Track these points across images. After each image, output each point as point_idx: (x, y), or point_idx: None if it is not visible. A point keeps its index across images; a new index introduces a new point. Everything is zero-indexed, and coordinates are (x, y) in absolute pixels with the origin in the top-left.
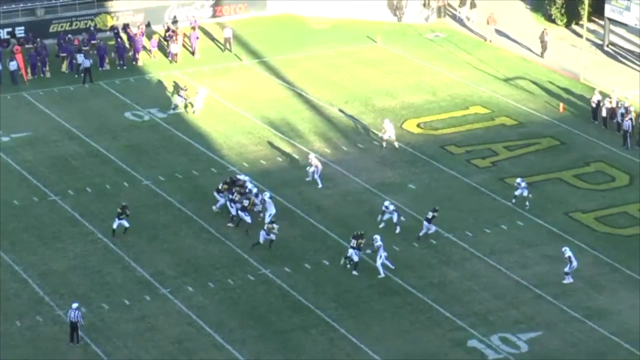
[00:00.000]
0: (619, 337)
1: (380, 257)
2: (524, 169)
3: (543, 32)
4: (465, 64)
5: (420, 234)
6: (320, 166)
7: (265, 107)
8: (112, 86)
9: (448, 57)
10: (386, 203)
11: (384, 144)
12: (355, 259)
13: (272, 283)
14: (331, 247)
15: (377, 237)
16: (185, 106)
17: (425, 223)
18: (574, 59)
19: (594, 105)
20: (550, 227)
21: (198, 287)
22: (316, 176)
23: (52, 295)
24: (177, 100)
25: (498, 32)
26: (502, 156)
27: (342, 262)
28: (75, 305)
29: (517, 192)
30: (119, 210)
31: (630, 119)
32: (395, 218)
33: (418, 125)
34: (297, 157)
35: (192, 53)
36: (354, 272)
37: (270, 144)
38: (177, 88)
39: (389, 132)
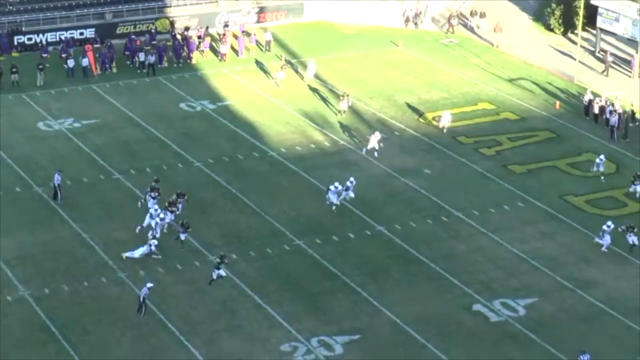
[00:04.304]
0: (604, 304)
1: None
2: (524, 157)
3: (607, 53)
4: (474, 66)
5: None
6: (374, 144)
7: (301, 101)
8: (169, 81)
9: (460, 60)
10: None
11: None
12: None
13: (305, 252)
14: (356, 223)
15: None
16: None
17: None
18: (569, 63)
19: (586, 103)
20: (547, 208)
21: (241, 255)
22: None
23: (115, 260)
24: (279, 75)
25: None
26: (506, 146)
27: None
28: (150, 285)
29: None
30: (218, 259)
31: (617, 115)
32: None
33: (433, 119)
34: (328, 144)
35: (237, 53)
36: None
37: (305, 133)
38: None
39: (444, 121)
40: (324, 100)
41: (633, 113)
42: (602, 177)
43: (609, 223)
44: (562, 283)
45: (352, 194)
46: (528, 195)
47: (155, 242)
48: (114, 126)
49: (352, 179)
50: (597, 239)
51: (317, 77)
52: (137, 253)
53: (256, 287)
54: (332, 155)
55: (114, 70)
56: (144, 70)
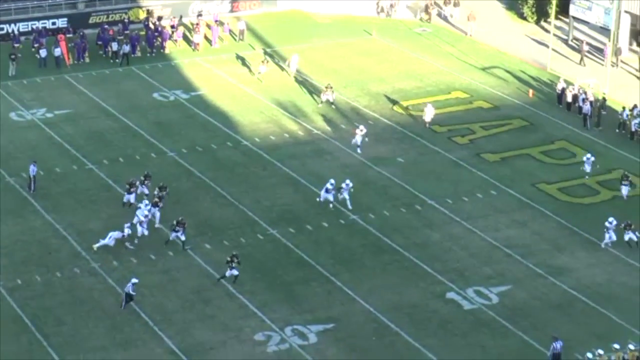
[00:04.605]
0: (576, 291)
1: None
2: (498, 146)
3: (582, 43)
4: (448, 55)
5: None
6: (359, 137)
7: (275, 91)
8: (142, 70)
9: (433, 49)
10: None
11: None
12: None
13: (279, 242)
14: (330, 212)
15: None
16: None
17: None
18: (542, 51)
19: (558, 91)
20: (519, 196)
21: (214, 245)
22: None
23: (88, 250)
24: (261, 69)
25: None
26: (479, 134)
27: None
28: (135, 280)
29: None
30: (228, 258)
31: (590, 103)
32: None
33: (407, 107)
34: (302, 133)
35: (211, 43)
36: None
37: (279, 122)
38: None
39: (427, 116)
40: (298, 89)
41: (604, 100)
42: (587, 177)
43: (611, 219)
44: (535, 270)
45: (347, 196)
46: (501, 183)
47: (129, 230)
48: (86, 116)
49: (347, 181)
50: (604, 242)
51: (268, 55)
52: (108, 238)
53: (230, 277)
54: (306, 145)
55: (87, 60)
56: (117, 60)
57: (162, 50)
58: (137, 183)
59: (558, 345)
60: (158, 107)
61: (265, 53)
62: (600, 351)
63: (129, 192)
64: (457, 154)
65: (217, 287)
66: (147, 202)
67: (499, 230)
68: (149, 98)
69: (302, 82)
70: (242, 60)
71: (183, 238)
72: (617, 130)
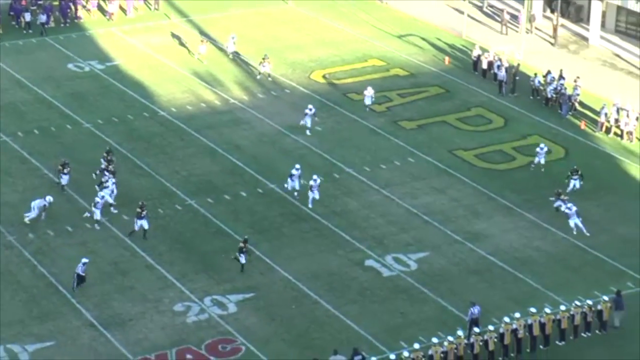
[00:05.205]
0: (494, 257)
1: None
2: (415, 113)
3: (503, 12)
4: (364, 23)
5: None
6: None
7: (191, 60)
8: (56, 41)
9: (349, 17)
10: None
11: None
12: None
13: (197, 212)
14: (248, 181)
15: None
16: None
17: None
18: (457, 18)
19: (474, 58)
20: (437, 163)
21: (132, 216)
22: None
23: (4, 224)
24: (200, 49)
25: None
26: (396, 102)
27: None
28: (85, 260)
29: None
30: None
31: (505, 70)
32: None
33: (324, 76)
34: (218, 103)
35: (125, 12)
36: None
37: (195, 92)
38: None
39: (367, 99)
40: (215, 59)
41: (519, 67)
42: (533, 166)
43: (570, 206)
44: (452, 237)
45: (317, 195)
46: (418, 150)
47: (51, 198)
48: (0, 88)
49: (315, 176)
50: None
51: (205, 34)
52: (32, 210)
53: (148, 248)
54: (223, 114)
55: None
56: (30, 31)
57: (76, 21)
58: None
59: (476, 310)
60: (73, 78)
61: (201, 33)
62: (517, 315)
63: (63, 173)
64: (375, 122)
65: (135, 258)
66: (113, 180)
67: (416, 197)
68: (63, 69)
69: (218, 51)
70: (159, 30)
71: (146, 227)
72: (531, 97)
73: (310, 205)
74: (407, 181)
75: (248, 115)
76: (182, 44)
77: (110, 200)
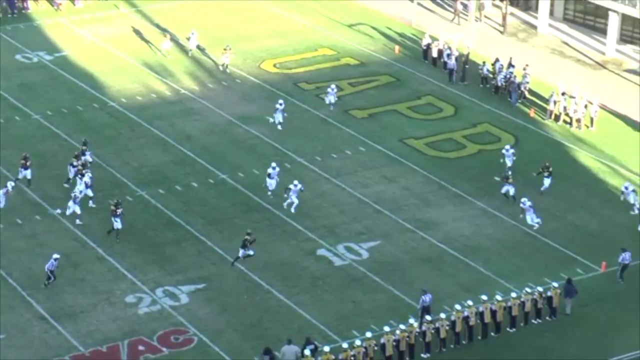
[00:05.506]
0: (445, 245)
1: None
2: (365, 102)
3: (456, 1)
4: (314, 12)
5: None
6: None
7: (141, 50)
8: (4, 32)
9: (300, 7)
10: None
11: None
12: None
13: (148, 203)
14: (199, 172)
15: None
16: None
17: None
18: (407, 7)
19: (424, 47)
20: (388, 152)
21: (82, 208)
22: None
23: None
24: (164, 45)
25: None
26: (347, 91)
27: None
28: (56, 255)
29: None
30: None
31: (455, 58)
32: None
33: (274, 66)
34: (169, 93)
35: (74, 2)
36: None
37: (145, 82)
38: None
39: (329, 98)
40: (160, 48)
41: (468, 55)
42: (509, 172)
43: (626, 184)
44: (404, 225)
45: (296, 200)
46: (369, 139)
47: (12, 183)
48: None
49: (296, 182)
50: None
51: (159, 27)
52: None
53: (99, 239)
54: (174, 105)
55: None
56: None
57: (24, 11)
58: (83, 155)
59: (427, 298)
60: (21, 69)
61: (161, 29)
62: (469, 302)
63: (25, 167)
64: (325, 111)
65: (86, 249)
66: (90, 174)
67: (368, 186)
68: (11, 60)
69: (170, 42)
70: (108, 21)
71: (119, 226)
72: (480, 85)
73: (292, 211)
74: (358, 170)
75: (199, 106)
76: (131, 35)
77: (91, 194)
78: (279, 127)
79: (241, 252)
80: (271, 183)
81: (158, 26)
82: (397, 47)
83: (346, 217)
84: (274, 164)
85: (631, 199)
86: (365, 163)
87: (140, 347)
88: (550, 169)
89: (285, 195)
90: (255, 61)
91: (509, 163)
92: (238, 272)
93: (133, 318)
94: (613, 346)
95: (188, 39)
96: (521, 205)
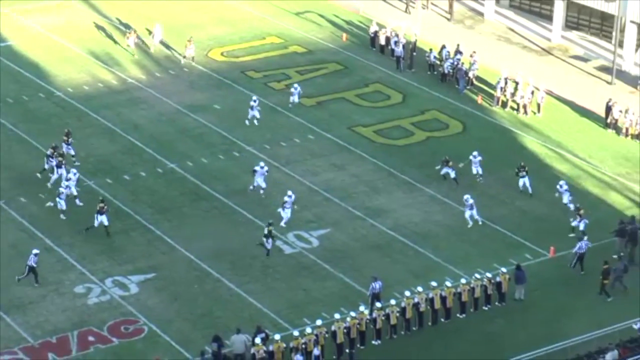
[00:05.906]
0: (394, 232)
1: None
2: (314, 90)
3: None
4: (262, 1)
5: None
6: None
7: (87, 40)
8: None
9: None
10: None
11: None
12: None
13: (96, 193)
14: (147, 161)
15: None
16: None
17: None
18: None
19: (371, 34)
20: (336, 140)
21: (30, 198)
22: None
23: None
24: (129, 42)
25: None
26: (295, 79)
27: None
28: (36, 251)
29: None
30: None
31: (402, 46)
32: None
33: (222, 54)
34: (116, 82)
35: None
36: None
37: (92, 71)
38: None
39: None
40: (112, 37)
41: (416, 42)
42: (480, 179)
43: (561, 183)
44: (353, 213)
45: (288, 214)
46: (318, 127)
47: None
48: None
49: (290, 192)
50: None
51: (105, 16)
52: None
53: (47, 230)
54: (121, 94)
55: None
56: None
57: None
58: (63, 145)
59: (377, 285)
60: None
61: (129, 28)
62: (419, 289)
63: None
64: (274, 100)
65: (35, 240)
66: (74, 171)
67: (317, 174)
68: None
69: (115, 30)
70: (53, 10)
71: (106, 223)
72: (428, 72)
73: (283, 224)
74: (307, 158)
75: (146, 95)
76: (77, 24)
77: (75, 192)
78: (255, 122)
79: (269, 243)
80: (260, 181)
81: (104, 15)
82: (344, 35)
83: (296, 205)
84: (262, 163)
85: (565, 198)
86: (314, 151)
87: (90, 338)
88: (526, 169)
89: (282, 210)
90: (203, 50)
91: (474, 170)
92: (187, 261)
93: (82, 308)
94: (562, 330)
95: (151, 33)
96: (465, 201)
